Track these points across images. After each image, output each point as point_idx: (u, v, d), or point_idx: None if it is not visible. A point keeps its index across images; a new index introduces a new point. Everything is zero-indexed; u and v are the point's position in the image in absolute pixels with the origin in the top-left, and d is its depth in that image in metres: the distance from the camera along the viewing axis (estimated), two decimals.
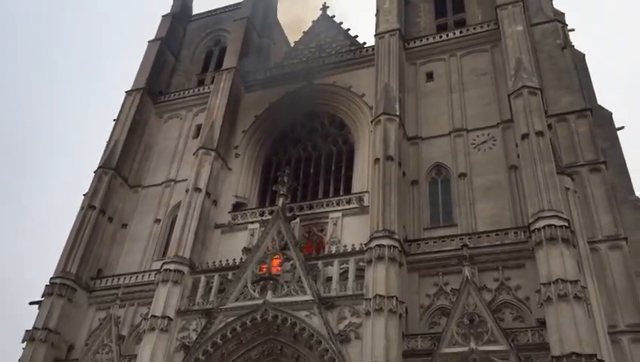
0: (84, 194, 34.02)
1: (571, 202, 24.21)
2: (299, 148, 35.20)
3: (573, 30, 33.31)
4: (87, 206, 32.88)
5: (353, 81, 34.97)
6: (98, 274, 31.42)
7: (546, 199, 23.36)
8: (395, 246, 24.54)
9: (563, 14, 33.71)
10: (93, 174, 34.72)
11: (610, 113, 29.25)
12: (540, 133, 25.46)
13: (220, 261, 28.46)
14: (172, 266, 27.76)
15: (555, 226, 22.41)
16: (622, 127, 28.75)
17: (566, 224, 22.59)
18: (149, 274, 29.78)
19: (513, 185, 26.77)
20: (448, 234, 26.04)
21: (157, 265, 29.53)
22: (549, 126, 26.78)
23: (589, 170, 26.18)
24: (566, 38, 31.87)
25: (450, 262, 24.73)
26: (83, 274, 30.54)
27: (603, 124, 28.41)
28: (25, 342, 28.14)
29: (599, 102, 29.71)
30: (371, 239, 24.95)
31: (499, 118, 29.44)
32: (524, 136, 25.73)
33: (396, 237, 24.91)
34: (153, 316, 26.27)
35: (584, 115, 28.04)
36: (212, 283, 27.41)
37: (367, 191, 28.96)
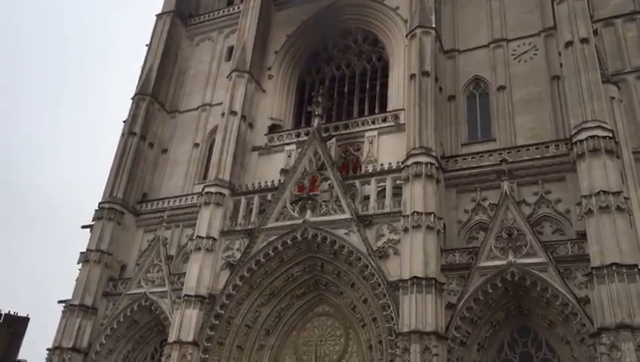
0: (123, 121, 34.68)
1: (616, 111, 23.44)
2: (332, 67, 34.54)
3: None
4: (128, 132, 33.59)
5: None
6: (143, 198, 32.63)
7: (589, 109, 22.67)
8: (432, 163, 24.48)
9: None
10: (131, 101, 35.15)
11: None
12: (584, 40, 24.27)
13: (259, 183, 29.01)
14: (213, 189, 28.47)
15: (599, 137, 21.91)
16: None
17: (610, 135, 22.01)
18: (192, 197, 30.70)
19: (555, 96, 25.93)
20: (487, 149, 25.76)
21: (198, 188, 30.36)
22: (595, 32, 25.54)
23: (636, 78, 25.13)
24: None
25: (489, 177, 24.60)
26: (129, 198, 31.74)
27: None
28: (80, 264, 29.87)
29: None
30: (408, 157, 24.91)
31: (541, 25, 28.12)
32: (568, 44, 24.60)
33: (433, 154, 24.79)
34: (198, 236, 27.34)
35: (633, 18, 26.55)
36: (252, 204, 28.11)
37: (403, 109, 28.56)
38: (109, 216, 30.45)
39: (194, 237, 27.55)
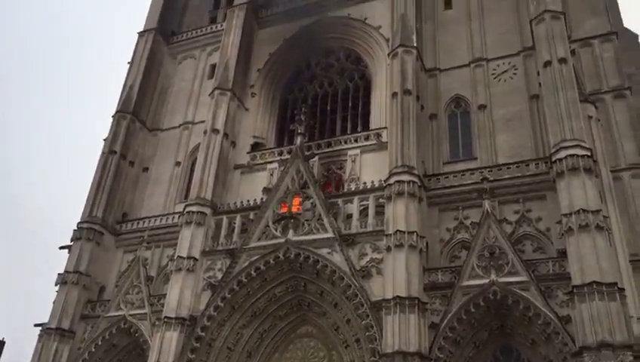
0: (104, 139, 34.35)
1: (594, 130, 23.76)
2: (315, 85, 34.64)
3: None
4: (108, 151, 33.25)
5: (368, 12, 33.86)
6: (123, 218, 32.22)
7: (568, 128, 22.94)
8: (414, 182, 24.53)
9: None
10: (112, 119, 34.88)
11: (637, 35, 28.03)
12: (562, 60, 24.65)
13: (241, 201, 28.84)
14: (194, 208, 28.23)
15: (577, 156, 22.13)
16: None
17: (588, 153, 22.25)
18: (173, 217, 30.44)
19: (535, 115, 26.24)
20: (468, 167, 25.89)
21: (180, 208, 30.05)
22: (572, 52, 25.92)
23: (613, 97, 25.51)
24: None
25: (471, 195, 24.71)
26: (109, 218, 31.34)
27: (629, 47, 27.34)
28: (58, 286, 29.31)
29: (625, 24, 28.42)
30: (390, 175, 24.94)
31: (520, 45, 28.50)
32: (547, 64, 24.95)
33: (415, 172, 24.86)
34: (179, 257, 27.04)
35: (609, 38, 26.98)
36: (234, 223, 27.90)
37: (385, 127, 28.66)
38: (87, 237, 29.97)
39: (175, 258, 27.22)
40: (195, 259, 26.98)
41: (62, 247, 30.49)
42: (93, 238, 30.03)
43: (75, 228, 30.51)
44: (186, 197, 30.70)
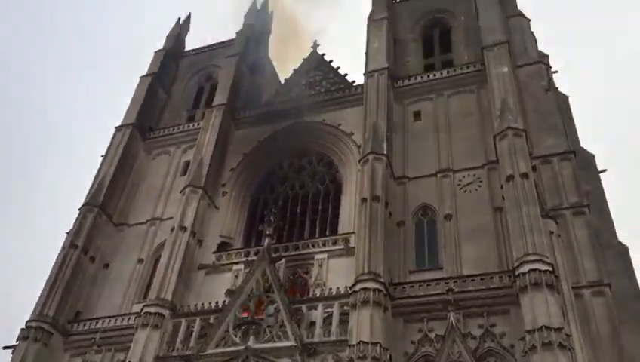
0: (67, 233, 33.62)
1: (556, 246, 24.04)
2: (286, 186, 35.05)
3: (556, 72, 33.70)
4: (70, 245, 32.27)
5: (342, 119, 35.10)
6: (76, 318, 30.55)
7: (530, 243, 23.23)
8: (380, 290, 24.23)
9: (547, 56, 34.08)
10: (78, 211, 34.38)
11: (593, 156, 29.32)
12: (524, 175, 25.47)
13: (203, 303, 27.92)
14: (153, 309, 27.19)
15: (540, 271, 22.22)
16: (604, 170, 28.82)
17: (550, 269, 22.39)
18: (129, 318, 28.94)
19: (498, 227, 26.61)
20: (434, 277, 25.70)
21: (137, 308, 28.86)
22: (534, 168, 26.79)
23: (572, 214, 26.02)
24: (550, 81, 32.13)
25: (436, 306, 24.34)
26: (60, 317, 29.64)
27: (586, 166, 28.40)
28: None
29: (582, 144, 29.81)
30: (356, 282, 24.65)
31: (485, 158, 29.47)
32: (509, 178, 25.73)
33: (382, 280, 24.62)
34: None
35: (568, 157, 28.05)
36: (193, 327, 26.83)
37: (353, 232, 28.73)
38: (35, 337, 28.12)
39: None
40: None
41: (6, 347, 28.62)
42: (40, 338, 28.17)
43: (24, 326, 28.81)
44: (146, 297, 29.59)
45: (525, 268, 22.57)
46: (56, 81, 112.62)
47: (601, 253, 24.64)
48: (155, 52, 46.25)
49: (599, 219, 26.22)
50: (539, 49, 34.20)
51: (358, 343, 22.69)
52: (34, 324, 28.74)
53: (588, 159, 28.93)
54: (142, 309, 27.58)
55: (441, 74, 34.95)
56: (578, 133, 30.42)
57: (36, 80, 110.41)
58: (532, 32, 35.03)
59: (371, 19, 38.56)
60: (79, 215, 34.01)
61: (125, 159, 37.87)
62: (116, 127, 39.99)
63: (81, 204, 34.73)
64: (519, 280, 22.59)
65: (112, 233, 34.77)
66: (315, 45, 43.53)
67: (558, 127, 29.27)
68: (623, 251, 25.39)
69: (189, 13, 51.15)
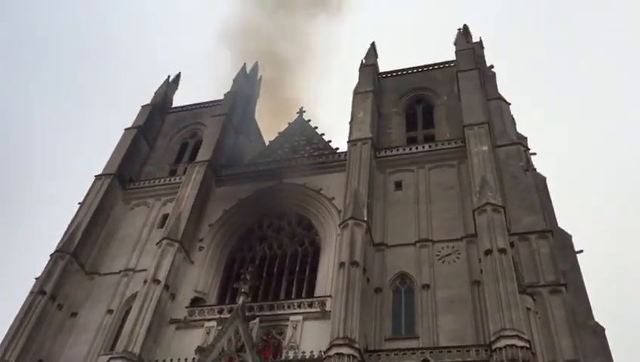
0: (36, 278, 32.57)
1: (532, 323, 24.23)
2: (264, 246, 34.91)
3: (535, 154, 35.09)
4: (38, 291, 31.30)
5: (324, 184, 35.60)
6: None
7: (507, 318, 23.41)
8: (354, 356, 23.90)
9: (526, 138, 35.62)
10: (49, 258, 33.45)
11: (570, 236, 30.11)
12: (502, 251, 25.99)
13: (171, 359, 27.06)
14: None
15: (517, 346, 22.34)
16: (581, 251, 29.51)
17: (527, 345, 22.51)
18: None
19: (476, 300, 26.78)
20: (409, 347, 25.58)
21: (103, 360, 27.88)
22: (512, 244, 27.40)
23: (549, 292, 26.43)
24: (528, 161, 33.45)
25: None
26: None
27: (563, 246, 29.08)
28: None
29: (559, 224, 30.65)
30: (331, 346, 24.31)
31: (463, 231, 30.01)
32: (488, 252, 26.21)
33: (357, 346, 24.30)
34: None
35: (545, 236, 28.77)
36: None
37: (329, 296, 28.50)
38: None
39: None
40: None
41: None
42: None
43: None
44: (113, 349, 28.55)
45: (502, 343, 22.66)
46: (42, 127, 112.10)
47: (577, 332, 24.89)
48: (142, 106, 46.86)
49: (576, 298, 26.61)
50: (518, 131, 35.75)
51: None
52: None
53: (565, 239, 29.66)
54: (108, 361, 26.44)
55: (423, 147, 36.12)
56: (555, 213, 31.29)
57: (21, 124, 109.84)
58: (512, 115, 36.79)
59: (357, 92, 40.03)
60: (50, 261, 33.22)
61: (102, 208, 37.46)
62: (96, 176, 39.79)
63: (54, 250, 33.84)
64: (496, 354, 22.63)
65: (82, 281, 33.84)
66: (301, 111, 44.84)
67: (535, 205, 30.19)
68: (599, 331, 25.61)
69: (179, 73, 52.33)
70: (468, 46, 41.45)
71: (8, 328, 29.57)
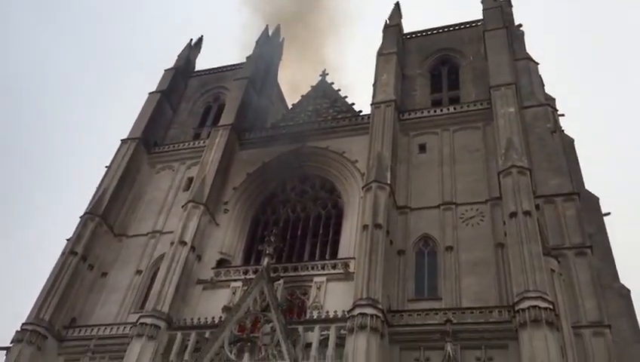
0: (67, 239, 33.48)
1: (557, 284, 24.13)
2: (288, 209, 35.16)
3: (563, 115, 34.29)
4: (69, 251, 32.19)
5: (347, 146, 35.45)
6: (71, 324, 30.33)
7: (531, 280, 23.32)
8: (377, 316, 24.17)
9: (554, 99, 34.78)
10: (79, 219, 34.30)
11: (598, 198, 29.63)
12: (527, 213, 25.72)
13: (199, 318, 27.76)
14: (149, 320, 27.00)
15: (540, 308, 22.28)
16: (608, 213, 29.07)
17: (550, 306, 22.45)
18: (125, 327, 28.78)
19: (500, 262, 26.72)
20: (432, 307, 25.74)
21: (133, 318, 28.70)
22: (537, 206, 27.07)
23: (575, 254, 26.20)
24: (556, 123, 32.73)
25: (433, 336, 24.28)
26: (56, 322, 29.49)
27: (590, 208, 28.68)
28: None
29: (587, 187, 30.17)
30: (354, 307, 24.61)
31: (488, 194, 29.74)
32: (512, 215, 25.96)
33: (380, 306, 24.58)
34: None
35: (572, 198, 28.35)
36: (188, 340, 26.57)
37: (353, 258, 28.75)
38: (30, 339, 27.89)
39: None
40: None
41: (0, 349, 28.35)
42: (35, 342, 27.96)
43: (19, 329, 28.55)
44: (142, 307, 29.41)
45: (525, 304, 22.63)
46: (69, 92, 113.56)
47: (602, 294, 24.77)
48: (166, 70, 46.96)
49: (602, 261, 26.39)
50: (546, 92, 34.91)
51: None
52: (29, 327, 28.50)
53: (592, 201, 29.24)
54: (138, 319, 27.38)
55: (448, 109, 35.60)
56: (583, 175, 30.77)
57: (51, 87, 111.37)
58: (540, 76, 35.83)
59: (380, 53, 39.40)
60: (80, 223, 34.00)
61: (129, 171, 38.02)
62: (122, 140, 40.29)
63: (83, 212, 34.63)
64: (519, 315, 22.63)
65: (111, 243, 34.68)
66: (324, 74, 44.36)
67: (562, 168, 29.68)
68: (624, 294, 25.48)
69: (201, 36, 52.13)
70: (495, 4, 40.22)
71: (42, 287, 30.62)
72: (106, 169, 38.35)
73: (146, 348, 26.11)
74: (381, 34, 41.36)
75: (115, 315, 30.71)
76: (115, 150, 39.45)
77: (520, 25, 40.29)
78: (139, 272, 32.80)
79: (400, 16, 42.89)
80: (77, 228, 33.76)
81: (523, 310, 22.54)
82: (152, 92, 44.41)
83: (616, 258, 26.93)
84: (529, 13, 66.32)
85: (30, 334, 28.20)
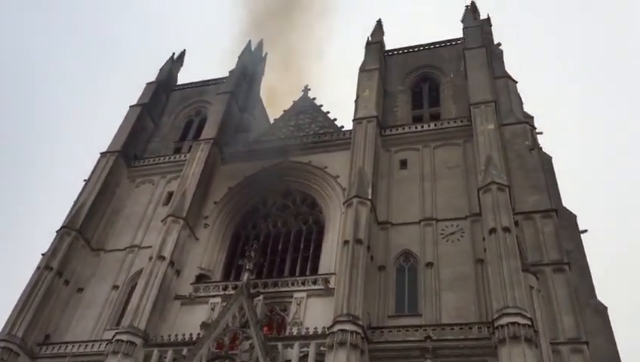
0: (42, 254, 32.87)
1: (535, 301, 24.30)
2: (269, 223, 35.01)
3: (541, 133, 34.83)
4: (44, 266, 31.57)
5: (329, 162, 35.51)
6: (45, 340, 29.64)
7: (510, 296, 23.44)
8: (358, 333, 24.07)
9: (532, 118, 35.30)
10: (55, 234, 33.71)
11: (575, 216, 30.00)
12: (506, 229, 25.92)
13: (177, 335, 27.34)
14: (125, 337, 26.54)
15: (519, 324, 22.39)
16: (585, 230, 29.43)
17: (529, 323, 22.56)
18: (100, 344, 28.17)
19: (479, 278, 26.83)
20: (412, 324, 25.69)
21: (109, 335, 28.17)
22: (516, 223, 27.32)
23: (553, 270, 26.43)
24: (534, 140, 33.20)
25: (413, 353, 24.22)
26: (29, 338, 28.82)
27: (568, 226, 29.00)
28: None
29: (564, 204, 30.54)
30: (334, 323, 24.47)
31: (468, 210, 29.94)
32: (492, 231, 26.14)
33: (360, 322, 24.48)
34: None
35: (550, 215, 28.67)
36: (165, 358, 26.15)
37: (333, 273, 28.64)
38: (1, 357, 27.24)
39: None
40: None
41: None
42: (7, 359, 27.29)
43: None
44: (118, 324, 28.88)
45: (504, 321, 22.72)
46: (45, 102, 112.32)
47: (579, 311, 24.96)
48: (147, 83, 46.72)
49: (579, 277, 26.64)
50: (524, 110, 35.43)
51: None
52: (1, 344, 27.87)
53: (570, 218, 29.58)
54: (114, 336, 26.89)
55: (429, 126, 35.91)
56: (560, 192, 31.17)
57: (26, 94, 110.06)
58: (518, 94, 36.41)
59: (363, 69, 39.70)
60: (56, 237, 33.42)
61: (108, 185, 37.59)
62: (101, 153, 39.85)
63: (59, 226, 34.08)
64: (498, 332, 22.70)
65: (88, 258, 34.11)
66: (306, 89, 44.49)
67: (541, 185, 30.04)
68: (601, 310, 25.70)
69: (184, 50, 52.05)
70: (475, 23, 40.90)
71: (15, 303, 29.93)
72: (84, 182, 37.83)
73: None
74: (363, 50, 41.70)
75: (91, 331, 30.10)
76: (94, 163, 38.98)
77: (499, 44, 41.01)
78: (116, 287, 32.23)
79: (382, 33, 43.37)
80: (53, 242, 33.15)
81: (502, 326, 22.62)
82: (133, 105, 44.11)
83: (593, 274, 27.24)
84: (509, 32, 67.39)
85: (2, 351, 27.55)
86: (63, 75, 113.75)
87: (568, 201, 30.91)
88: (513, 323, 22.41)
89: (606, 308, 25.79)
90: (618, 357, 24.17)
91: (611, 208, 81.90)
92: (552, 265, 26.62)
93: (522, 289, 23.74)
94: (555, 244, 27.36)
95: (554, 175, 32.14)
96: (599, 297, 26.33)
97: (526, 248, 27.02)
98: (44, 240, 34.35)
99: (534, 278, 25.18)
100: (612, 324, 25.17)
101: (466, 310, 25.91)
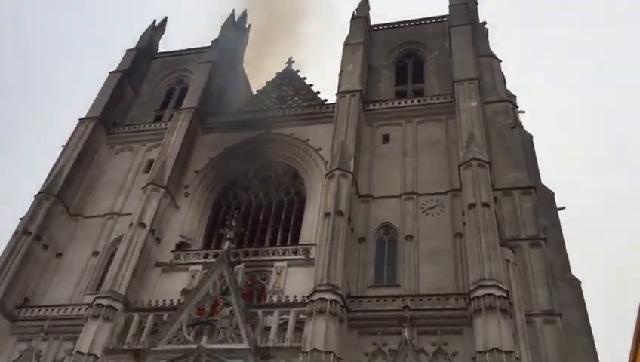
0: (20, 218, 32.45)
1: (511, 274, 24.89)
2: (250, 194, 34.98)
3: (523, 112, 35.33)
4: (22, 231, 31.18)
5: (311, 134, 35.48)
6: (24, 304, 29.48)
7: (487, 268, 23.97)
8: (337, 301, 24.43)
9: (515, 96, 35.74)
10: (33, 198, 33.23)
11: (553, 193, 30.62)
12: (485, 205, 26.38)
13: (157, 301, 27.44)
14: (105, 301, 26.49)
15: (494, 296, 22.94)
16: (563, 208, 30.09)
17: (505, 294, 23.14)
18: (80, 308, 28.10)
19: (457, 252, 27.31)
20: (391, 294, 26.16)
21: (89, 299, 28.07)
22: (495, 199, 27.81)
23: (529, 245, 27.04)
24: (516, 119, 33.64)
25: (391, 322, 24.69)
26: (7, 301, 28.61)
27: (545, 203, 29.62)
28: None
29: (543, 181, 31.13)
30: (314, 292, 24.80)
31: (448, 185, 30.32)
32: (471, 206, 26.58)
33: (339, 292, 24.83)
34: (78, 352, 24.81)
35: (528, 192, 29.21)
36: (145, 323, 26.24)
37: (314, 244, 28.87)
38: None
39: (73, 353, 24.94)
40: (96, 357, 24.78)
41: None
42: None
43: None
44: (98, 289, 28.78)
45: (481, 292, 23.27)
46: (25, 64, 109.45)
47: (554, 284, 25.66)
48: (127, 50, 45.78)
49: (555, 253, 27.30)
50: (507, 89, 35.79)
51: (312, 351, 22.80)
52: None
53: (548, 196, 30.18)
54: (94, 300, 26.84)
55: (412, 102, 36.08)
56: (540, 171, 31.71)
57: (8, 58, 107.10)
58: (502, 73, 36.73)
59: (347, 43, 39.54)
60: (34, 202, 32.97)
61: (86, 151, 37.05)
62: (80, 119, 39.19)
63: (37, 191, 33.59)
64: (474, 303, 23.26)
65: (67, 223, 33.71)
66: (290, 61, 44.19)
67: (520, 162, 30.53)
68: (575, 284, 26.44)
69: (165, 17, 51.11)
70: (461, 1, 40.84)
71: None
72: (62, 148, 37.21)
73: (102, 330, 25.62)
74: (349, 24, 41.48)
75: (70, 296, 29.95)
76: (73, 129, 38.34)
77: (484, 22, 41.14)
78: (95, 253, 32.03)
79: (368, 8, 43.10)
80: (31, 207, 32.71)
81: (478, 298, 23.17)
82: (113, 71, 43.30)
83: (568, 250, 27.96)
84: (494, 11, 67.53)
85: None
86: (42, 36, 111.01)
87: (547, 179, 31.54)
88: (489, 295, 22.96)
89: (580, 282, 26.56)
90: (589, 328, 25.00)
91: (588, 186, 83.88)
92: (529, 240, 27.22)
93: (499, 262, 24.30)
94: (532, 220, 27.94)
95: (534, 153, 32.64)
96: (574, 272, 27.12)
97: (504, 223, 27.54)
98: (22, 206, 33.89)
99: (511, 252, 25.76)
100: (585, 297, 25.98)
101: (443, 282, 26.42)
